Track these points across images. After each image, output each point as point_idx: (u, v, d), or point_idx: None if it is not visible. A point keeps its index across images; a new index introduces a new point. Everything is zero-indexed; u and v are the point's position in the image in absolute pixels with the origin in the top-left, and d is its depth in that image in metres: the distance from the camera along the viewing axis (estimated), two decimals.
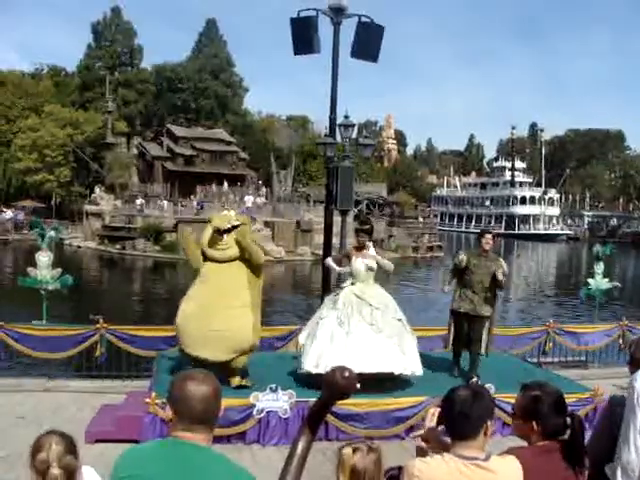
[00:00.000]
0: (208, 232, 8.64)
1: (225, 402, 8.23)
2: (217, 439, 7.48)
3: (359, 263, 9.25)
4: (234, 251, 8.50)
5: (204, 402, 2.54)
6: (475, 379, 9.25)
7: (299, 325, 11.43)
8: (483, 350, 9.70)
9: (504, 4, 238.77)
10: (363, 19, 12.95)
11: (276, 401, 8.19)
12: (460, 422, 2.78)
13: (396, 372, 8.79)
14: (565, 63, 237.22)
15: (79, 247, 50.70)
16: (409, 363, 8.91)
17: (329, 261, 10.00)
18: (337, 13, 12.87)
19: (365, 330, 8.77)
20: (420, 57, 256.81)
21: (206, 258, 8.68)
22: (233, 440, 8.05)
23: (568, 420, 3.12)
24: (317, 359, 8.60)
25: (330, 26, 13.00)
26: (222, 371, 8.31)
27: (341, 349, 8.57)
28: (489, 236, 9.69)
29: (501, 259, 9.82)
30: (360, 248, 9.36)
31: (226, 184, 63.06)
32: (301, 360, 8.96)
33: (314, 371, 8.46)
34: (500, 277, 9.37)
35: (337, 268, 9.68)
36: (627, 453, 3.53)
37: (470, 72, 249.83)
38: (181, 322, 8.50)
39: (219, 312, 8.32)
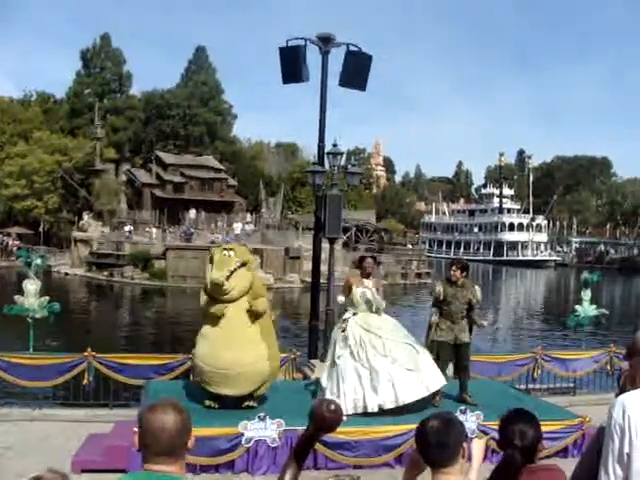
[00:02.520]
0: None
1: (213, 431, 8.19)
2: (205, 468, 7.52)
3: (360, 293, 9.27)
4: (238, 290, 8.52)
5: (167, 433, 2.44)
6: (471, 398, 9.51)
7: (288, 353, 11.45)
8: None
9: (494, 33, 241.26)
10: (351, 48, 13.06)
11: (265, 430, 8.13)
12: (439, 452, 2.80)
13: (420, 397, 8.86)
14: (553, 91, 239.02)
15: (67, 274, 50.42)
16: (430, 381, 9.02)
17: (339, 297, 9.89)
18: (325, 42, 12.98)
19: (383, 363, 8.87)
20: (409, 84, 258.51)
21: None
22: (222, 469, 8.00)
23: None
24: (354, 400, 8.71)
25: (319, 54, 13.11)
26: (242, 400, 8.63)
27: (368, 388, 8.75)
28: (453, 267, 9.77)
29: (476, 286, 9.93)
30: (365, 277, 9.41)
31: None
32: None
33: (352, 412, 8.60)
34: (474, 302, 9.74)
35: (343, 299, 9.63)
36: None
37: (458, 99, 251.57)
38: (198, 362, 8.61)
39: (229, 351, 8.40)
